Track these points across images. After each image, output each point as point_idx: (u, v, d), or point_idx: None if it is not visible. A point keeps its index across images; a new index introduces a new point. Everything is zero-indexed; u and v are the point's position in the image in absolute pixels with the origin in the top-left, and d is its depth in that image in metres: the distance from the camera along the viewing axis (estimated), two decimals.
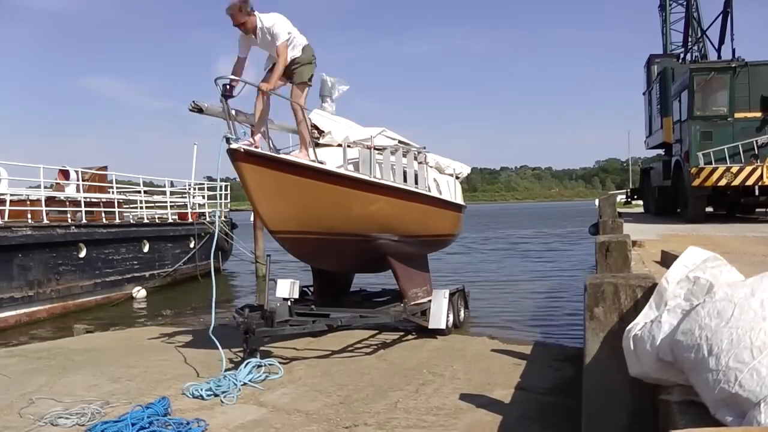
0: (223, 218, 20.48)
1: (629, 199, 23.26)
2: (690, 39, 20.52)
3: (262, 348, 7.13)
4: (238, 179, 6.73)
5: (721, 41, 16.13)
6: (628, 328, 3.08)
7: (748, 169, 11.81)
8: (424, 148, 9.51)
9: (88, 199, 15.14)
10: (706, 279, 2.85)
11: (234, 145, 6.32)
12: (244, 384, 6.18)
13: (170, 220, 18.77)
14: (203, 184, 21.26)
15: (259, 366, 6.66)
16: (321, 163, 7.24)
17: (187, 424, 4.95)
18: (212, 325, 7.01)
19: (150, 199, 19.26)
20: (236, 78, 6.74)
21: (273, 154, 6.98)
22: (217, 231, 7.68)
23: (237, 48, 7.15)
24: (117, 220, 15.79)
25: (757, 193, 11.96)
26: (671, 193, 15.20)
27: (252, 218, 17.53)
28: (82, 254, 13.62)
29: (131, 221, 17.25)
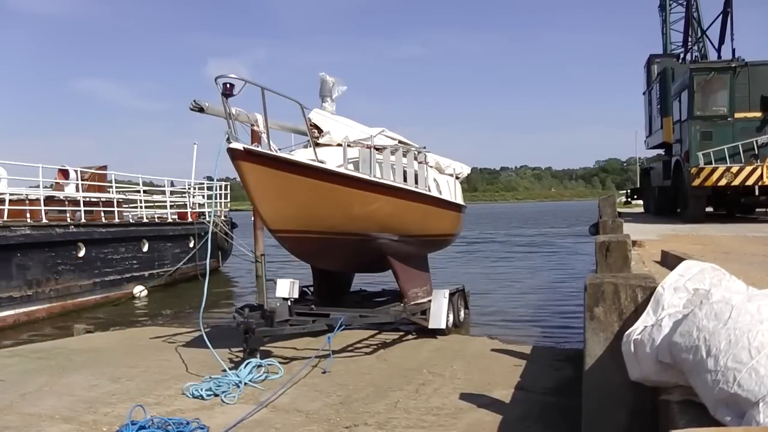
0: (222, 218, 20.48)
1: (629, 199, 23.30)
2: (690, 39, 20.52)
3: (262, 348, 7.14)
4: (238, 179, 6.73)
5: (721, 41, 16.14)
6: (627, 332, 3.08)
7: (748, 169, 11.82)
8: (424, 147, 9.50)
9: (87, 199, 15.13)
10: (705, 289, 2.85)
11: (234, 144, 6.31)
12: (245, 384, 6.18)
13: (170, 220, 18.76)
14: (203, 183, 21.24)
15: (259, 366, 6.66)
16: (321, 162, 7.24)
17: (187, 424, 4.95)
18: (201, 325, 7.04)
19: (150, 198, 19.24)
20: (236, 77, 6.71)
21: (273, 153, 6.97)
22: (211, 230, 7.62)
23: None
24: (116, 220, 15.78)
25: (757, 193, 11.98)
26: (671, 193, 15.21)
27: (252, 217, 17.50)
28: (81, 254, 13.62)
29: (131, 221, 17.23)
